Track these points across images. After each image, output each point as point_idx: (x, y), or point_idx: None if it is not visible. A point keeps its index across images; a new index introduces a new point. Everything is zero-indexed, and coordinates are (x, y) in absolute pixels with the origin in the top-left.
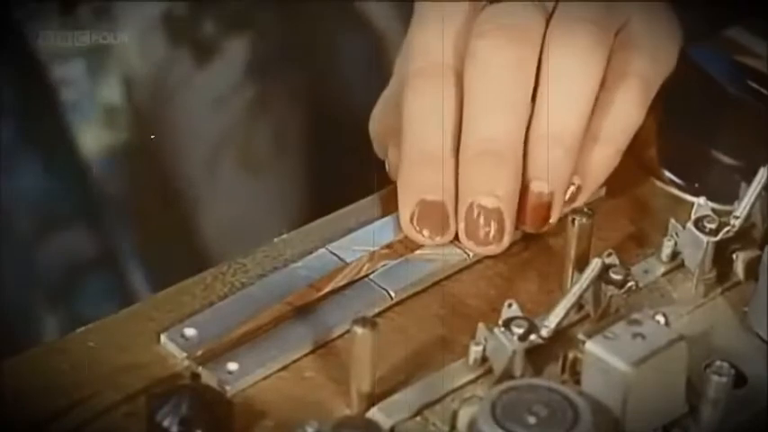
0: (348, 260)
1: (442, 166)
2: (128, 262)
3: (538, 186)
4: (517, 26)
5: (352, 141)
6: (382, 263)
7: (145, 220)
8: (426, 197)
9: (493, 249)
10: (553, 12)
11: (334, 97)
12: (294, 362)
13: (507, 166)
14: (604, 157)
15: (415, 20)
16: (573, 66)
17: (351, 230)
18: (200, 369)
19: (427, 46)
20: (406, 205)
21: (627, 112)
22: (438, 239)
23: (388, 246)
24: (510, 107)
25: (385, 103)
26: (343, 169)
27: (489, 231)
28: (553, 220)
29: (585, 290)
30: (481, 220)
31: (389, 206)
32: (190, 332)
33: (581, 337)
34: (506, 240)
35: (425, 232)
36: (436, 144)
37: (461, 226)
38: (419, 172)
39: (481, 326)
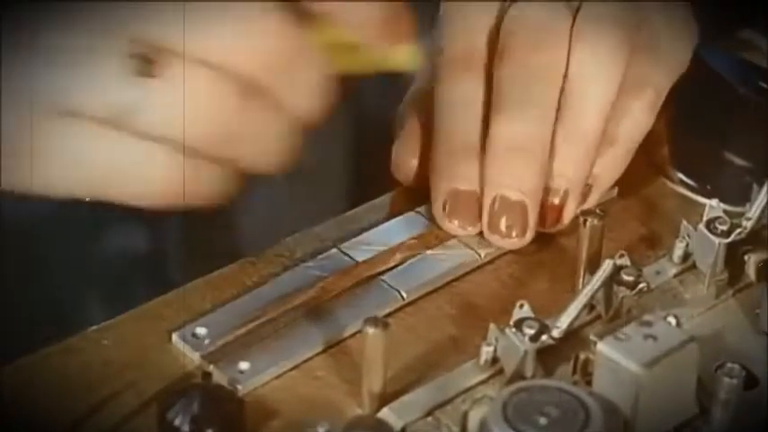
0: (359, 260)
1: (474, 157)
2: (171, 260)
3: (556, 183)
4: (548, 25)
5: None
6: (394, 262)
7: (189, 221)
8: (459, 186)
9: (516, 243)
10: (578, 11)
11: (366, 99)
12: (305, 361)
13: (535, 162)
14: (614, 159)
15: (443, 14)
16: (596, 66)
17: (362, 230)
18: (211, 368)
19: (457, 39)
20: (439, 194)
21: (638, 117)
22: (470, 229)
23: (400, 245)
24: (541, 105)
25: (410, 97)
26: (381, 177)
27: (513, 225)
28: (567, 218)
29: (597, 291)
30: (506, 214)
31: (401, 206)
32: (201, 331)
33: (592, 337)
34: (529, 235)
35: (456, 222)
36: (470, 134)
37: (485, 219)
38: (453, 161)
39: (492, 326)
